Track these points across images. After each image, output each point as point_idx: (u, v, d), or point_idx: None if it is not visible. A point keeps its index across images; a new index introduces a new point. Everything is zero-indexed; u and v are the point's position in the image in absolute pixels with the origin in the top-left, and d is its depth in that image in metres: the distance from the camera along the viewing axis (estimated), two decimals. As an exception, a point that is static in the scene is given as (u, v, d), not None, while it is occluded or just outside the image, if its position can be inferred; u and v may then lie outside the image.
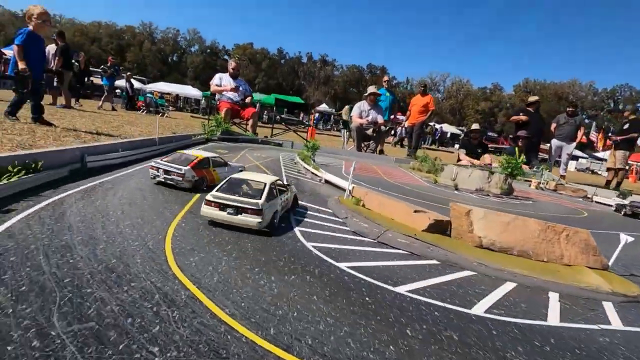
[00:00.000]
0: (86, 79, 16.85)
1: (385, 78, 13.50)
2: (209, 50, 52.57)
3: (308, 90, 48.93)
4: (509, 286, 1.70)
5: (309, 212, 2.65)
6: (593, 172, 36.25)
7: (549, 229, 2.23)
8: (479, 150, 10.73)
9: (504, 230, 2.28)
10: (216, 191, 2.22)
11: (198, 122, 9.87)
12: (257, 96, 28.78)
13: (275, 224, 2.19)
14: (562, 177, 11.43)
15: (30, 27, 5.27)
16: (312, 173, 4.40)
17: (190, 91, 36.99)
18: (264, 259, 1.61)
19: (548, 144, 12.53)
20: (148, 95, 21.15)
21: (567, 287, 1.79)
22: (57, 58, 11.37)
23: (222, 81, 10.57)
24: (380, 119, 10.70)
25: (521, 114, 11.24)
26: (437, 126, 40.06)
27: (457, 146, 13.55)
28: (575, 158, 38.07)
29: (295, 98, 29.70)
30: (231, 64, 11.03)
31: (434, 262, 1.91)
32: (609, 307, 1.61)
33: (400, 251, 2.02)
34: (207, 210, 2.14)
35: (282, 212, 2.34)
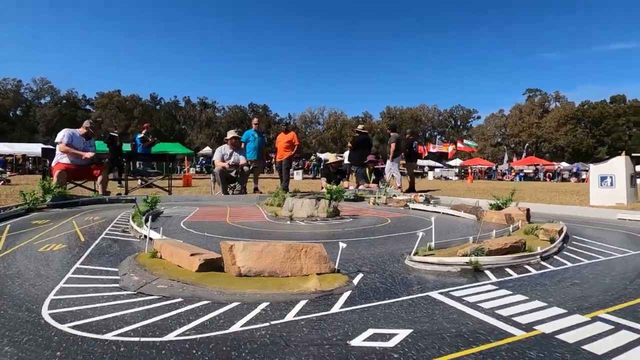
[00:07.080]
0: None
1: (255, 120, 14.36)
2: (65, 101, 46.71)
3: (190, 134, 47.53)
4: (231, 305, 2.09)
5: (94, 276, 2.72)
6: (446, 178, 44.28)
7: (292, 249, 2.78)
8: (338, 177, 12.17)
9: (259, 257, 2.75)
10: None
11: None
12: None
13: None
14: (399, 188, 13.73)
15: None
16: (135, 230, 4.41)
17: (40, 150, 32.03)
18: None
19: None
20: (-28, 161, 17.42)
21: (280, 296, 2.27)
22: None
23: (72, 140, 9.18)
24: (242, 160, 11.21)
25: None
26: (321, 156, 43.23)
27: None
28: (432, 168, 46.00)
29: (173, 145, 28.44)
30: (85, 123, 9.96)
31: (178, 300, 2.22)
32: (299, 305, 2.12)
33: (152, 297, 2.28)
34: None
35: None
